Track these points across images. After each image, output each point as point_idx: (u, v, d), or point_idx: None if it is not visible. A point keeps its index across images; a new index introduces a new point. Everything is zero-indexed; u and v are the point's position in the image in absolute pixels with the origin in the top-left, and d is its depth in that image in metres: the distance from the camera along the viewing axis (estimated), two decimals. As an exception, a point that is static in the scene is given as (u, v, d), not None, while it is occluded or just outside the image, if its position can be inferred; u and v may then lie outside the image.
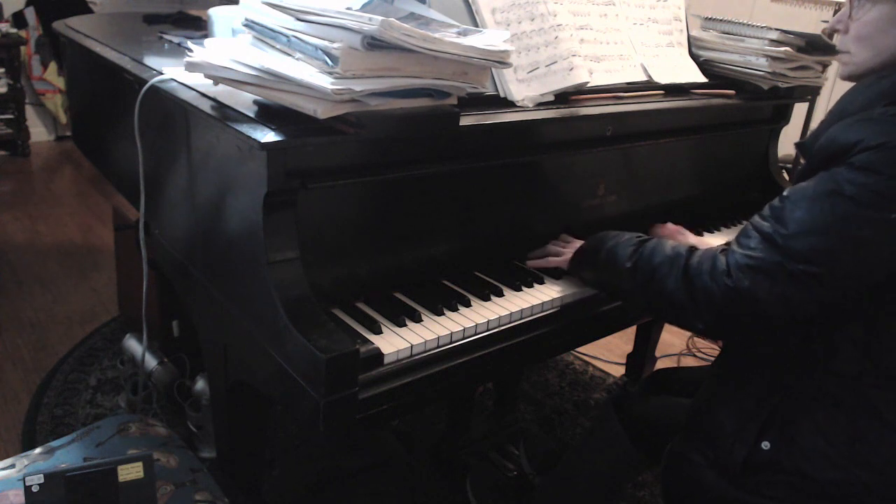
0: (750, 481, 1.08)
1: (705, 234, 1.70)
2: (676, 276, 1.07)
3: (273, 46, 1.08)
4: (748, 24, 1.73)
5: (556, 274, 1.38)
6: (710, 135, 1.75)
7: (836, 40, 1.13)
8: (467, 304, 1.23)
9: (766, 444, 1.07)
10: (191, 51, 1.13)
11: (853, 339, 1.02)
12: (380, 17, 0.93)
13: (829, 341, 1.03)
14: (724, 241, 1.62)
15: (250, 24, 1.12)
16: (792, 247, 0.97)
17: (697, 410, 1.19)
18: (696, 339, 2.83)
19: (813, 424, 1.05)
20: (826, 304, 1.00)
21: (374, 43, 0.95)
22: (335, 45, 0.96)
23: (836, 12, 2.68)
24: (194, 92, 1.21)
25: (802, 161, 1.09)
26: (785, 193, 1.02)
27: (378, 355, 1.06)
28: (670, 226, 1.58)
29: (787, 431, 1.06)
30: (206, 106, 1.15)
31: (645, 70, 1.60)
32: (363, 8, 1.03)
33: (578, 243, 1.36)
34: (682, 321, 1.10)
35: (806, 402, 1.06)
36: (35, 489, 1.01)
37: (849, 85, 1.11)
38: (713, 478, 1.12)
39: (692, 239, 1.55)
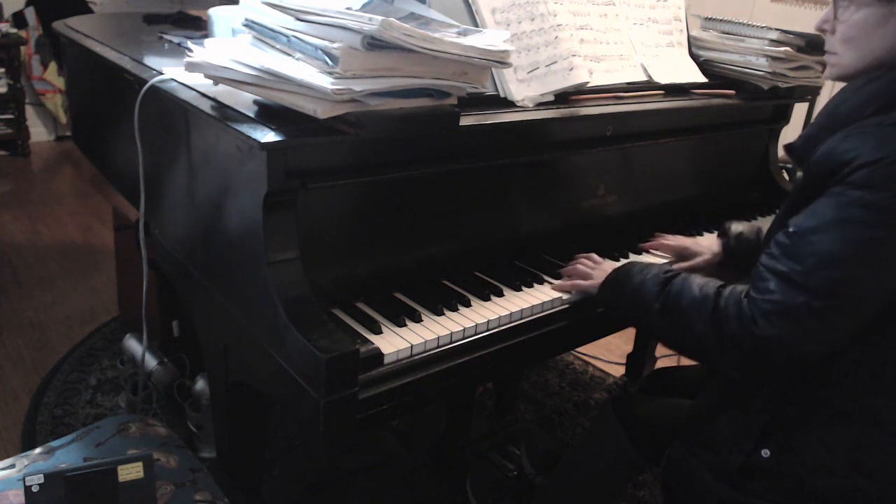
0: (749, 486, 1.09)
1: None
2: (705, 320, 1.04)
3: (273, 46, 1.08)
4: (748, 24, 1.73)
5: (556, 274, 1.38)
6: (710, 135, 1.75)
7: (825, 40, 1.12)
8: (467, 304, 1.23)
9: (766, 452, 1.07)
10: (191, 51, 1.13)
11: (851, 347, 1.01)
12: (380, 17, 0.93)
13: (828, 353, 1.02)
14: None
15: (250, 24, 1.12)
16: (812, 284, 0.94)
17: (697, 415, 1.19)
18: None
19: (812, 432, 1.04)
20: (851, 331, 0.98)
21: (374, 43, 0.95)
22: (335, 45, 0.96)
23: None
24: (194, 92, 1.21)
25: (793, 168, 1.08)
26: (791, 229, 0.99)
27: (378, 355, 1.06)
28: (668, 238, 1.57)
29: (786, 439, 1.06)
30: (206, 106, 1.15)
31: (645, 70, 1.60)
32: (363, 8, 1.03)
33: (607, 265, 1.32)
34: (713, 365, 1.09)
35: (805, 410, 1.06)
36: (35, 489, 1.01)
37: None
38: (713, 481, 1.12)
39: (686, 243, 1.53)
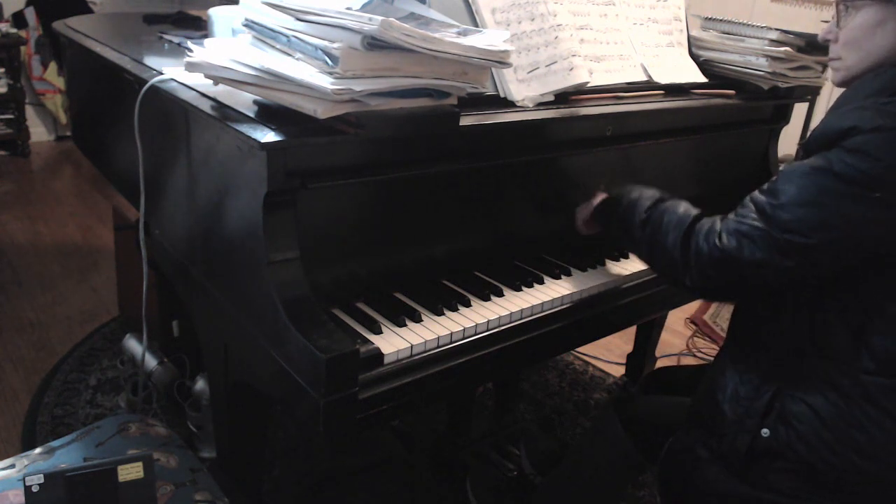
0: (751, 470, 1.10)
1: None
2: (677, 233, 1.14)
3: (273, 46, 1.08)
4: (748, 24, 1.73)
5: (556, 274, 1.38)
6: (710, 135, 1.75)
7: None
8: (467, 304, 1.23)
9: (765, 431, 1.09)
10: (191, 51, 1.13)
11: (848, 324, 1.04)
12: (380, 17, 0.93)
13: (825, 327, 1.06)
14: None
15: (250, 24, 1.12)
16: (778, 216, 1.03)
17: (699, 402, 1.21)
18: (696, 339, 2.83)
19: (810, 410, 1.06)
20: (803, 276, 1.05)
21: (374, 43, 0.95)
22: (335, 45, 0.96)
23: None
24: (194, 92, 1.21)
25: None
26: (781, 169, 1.08)
27: (378, 355, 1.06)
28: None
29: (784, 417, 1.08)
30: (206, 106, 1.15)
31: (645, 70, 1.60)
32: (363, 8, 1.03)
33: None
34: (674, 276, 1.17)
35: (803, 387, 1.08)
36: (35, 489, 1.01)
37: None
38: (714, 472, 1.13)
39: None
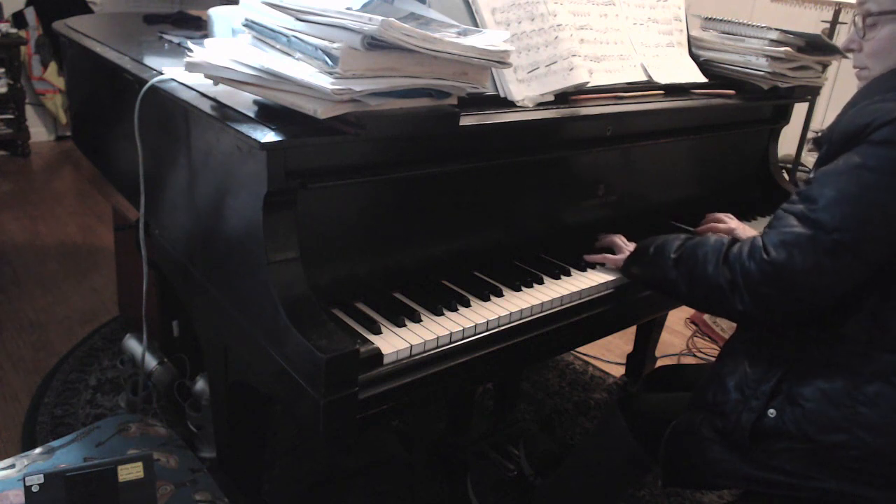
0: (755, 450, 1.11)
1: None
2: (716, 261, 1.13)
3: (273, 46, 1.08)
4: (748, 24, 1.73)
5: (555, 274, 1.38)
6: (710, 135, 1.75)
7: (852, 58, 1.20)
8: (467, 305, 1.23)
9: (771, 412, 1.10)
10: (191, 51, 1.13)
11: (865, 305, 1.06)
12: (380, 17, 0.93)
13: (840, 308, 1.07)
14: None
15: (250, 24, 1.12)
16: (822, 219, 1.03)
17: (705, 384, 1.22)
18: (696, 339, 2.83)
19: (818, 390, 1.08)
20: (859, 273, 1.04)
21: (374, 43, 0.95)
22: (335, 45, 0.96)
23: (835, 13, 2.70)
24: (194, 92, 1.21)
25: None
26: (812, 176, 1.09)
27: (378, 355, 1.06)
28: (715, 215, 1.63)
29: (792, 397, 1.09)
30: (206, 106, 1.15)
31: (645, 70, 1.60)
32: (363, 8, 1.04)
33: (632, 246, 1.41)
34: (723, 305, 1.14)
35: (812, 368, 1.09)
36: (35, 489, 1.01)
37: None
38: (717, 451, 1.15)
39: (733, 224, 1.59)
